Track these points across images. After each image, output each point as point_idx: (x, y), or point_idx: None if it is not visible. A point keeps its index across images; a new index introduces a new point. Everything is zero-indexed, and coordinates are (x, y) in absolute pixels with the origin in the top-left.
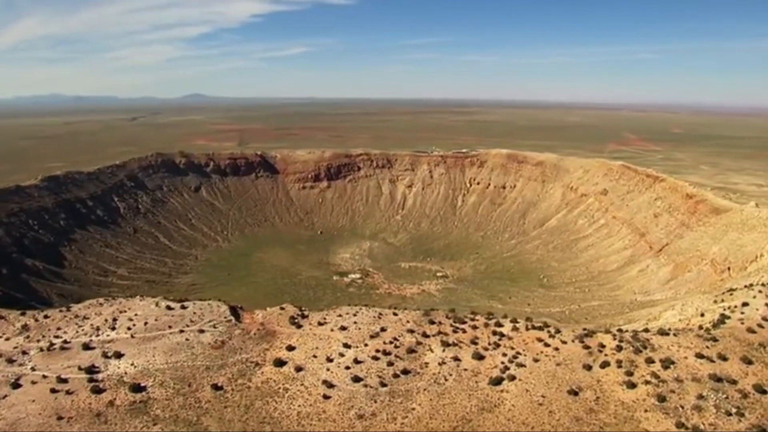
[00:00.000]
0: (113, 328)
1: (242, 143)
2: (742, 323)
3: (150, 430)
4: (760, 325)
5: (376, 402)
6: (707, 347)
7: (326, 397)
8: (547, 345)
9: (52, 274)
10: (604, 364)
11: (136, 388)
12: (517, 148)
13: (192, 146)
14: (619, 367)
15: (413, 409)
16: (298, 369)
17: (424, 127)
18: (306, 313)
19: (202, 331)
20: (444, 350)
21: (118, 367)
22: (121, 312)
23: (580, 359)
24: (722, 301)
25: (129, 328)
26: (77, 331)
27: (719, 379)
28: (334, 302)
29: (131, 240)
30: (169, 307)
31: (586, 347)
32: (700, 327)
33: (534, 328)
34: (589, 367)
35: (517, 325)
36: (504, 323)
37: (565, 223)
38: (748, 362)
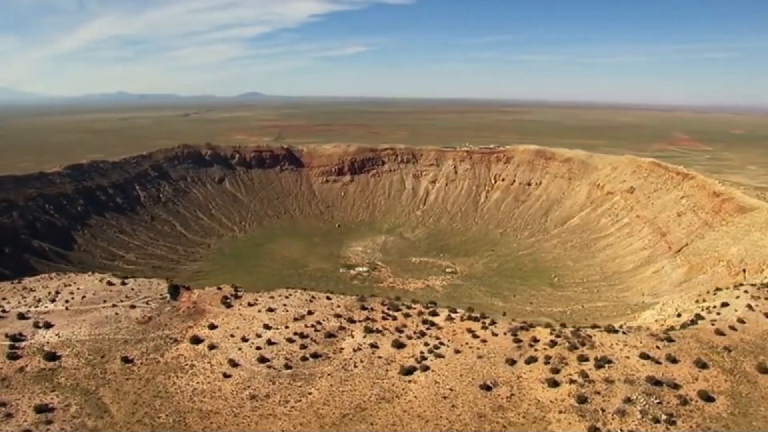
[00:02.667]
0: (53, 301)
1: (279, 138)
2: (713, 324)
3: (45, 396)
4: (732, 328)
5: (274, 384)
6: (657, 348)
7: (227, 375)
8: (475, 336)
9: (57, 256)
10: (531, 360)
11: (51, 357)
12: (557, 147)
13: (231, 140)
14: (547, 363)
15: (310, 393)
16: (211, 347)
17: (466, 125)
18: (240, 293)
19: (133, 307)
20: (365, 336)
21: (44, 337)
22: (66, 286)
23: (505, 353)
24: (703, 301)
25: (67, 301)
26: (20, 302)
27: (658, 383)
28: None
29: (147, 227)
30: (110, 283)
31: (517, 341)
32: (671, 327)
33: (470, 318)
34: (512, 362)
35: (453, 315)
36: (440, 313)
37: (588, 221)
38: (702, 366)
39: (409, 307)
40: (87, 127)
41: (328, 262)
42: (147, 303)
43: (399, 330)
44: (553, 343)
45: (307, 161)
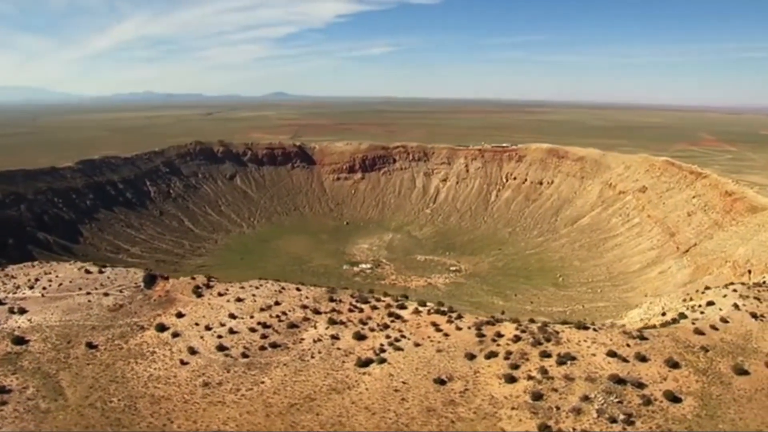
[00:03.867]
0: (31, 287)
1: (295, 136)
2: (694, 323)
3: (5, 378)
4: (713, 327)
5: (228, 372)
6: (627, 346)
7: (184, 363)
8: (439, 330)
9: (61, 248)
10: (491, 355)
11: (19, 341)
12: (574, 146)
13: (248, 138)
14: (507, 359)
15: (262, 382)
16: (175, 335)
17: (487, 125)
18: (212, 283)
19: (106, 295)
20: (327, 328)
21: (16, 322)
22: (46, 273)
23: (466, 347)
24: (691, 300)
25: (44, 288)
26: None
27: (621, 381)
28: None
29: (155, 222)
30: (87, 271)
31: (480, 335)
32: (653, 326)
33: (437, 312)
34: (472, 357)
35: (420, 309)
36: (408, 306)
37: (598, 221)
38: (674, 365)
39: (378, 300)
40: (110, 125)
41: (333, 259)
42: (120, 291)
43: (363, 322)
44: (517, 338)
45: (318, 159)
